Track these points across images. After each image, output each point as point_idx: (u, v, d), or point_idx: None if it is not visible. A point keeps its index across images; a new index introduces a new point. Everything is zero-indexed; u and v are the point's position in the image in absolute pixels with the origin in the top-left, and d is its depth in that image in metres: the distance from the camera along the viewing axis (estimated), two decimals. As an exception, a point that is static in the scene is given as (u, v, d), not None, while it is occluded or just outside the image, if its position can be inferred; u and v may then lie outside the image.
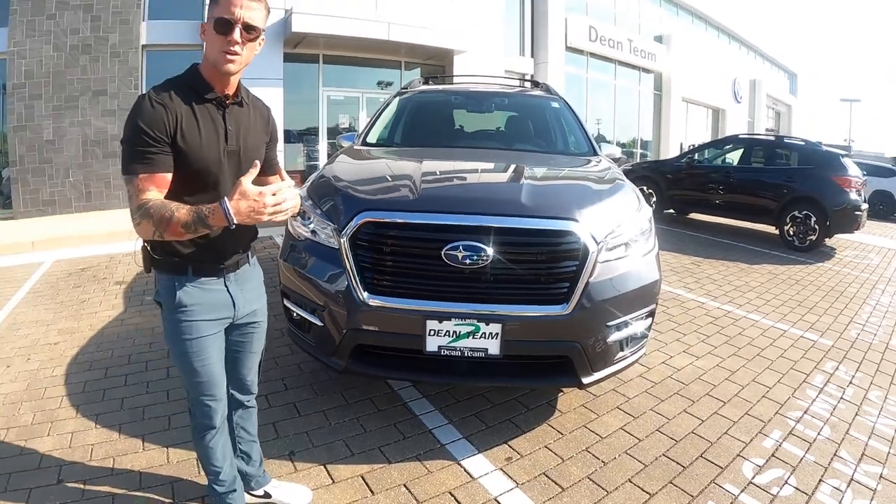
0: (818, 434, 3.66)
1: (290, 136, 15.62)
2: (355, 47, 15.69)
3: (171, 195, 2.03)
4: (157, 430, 3.51)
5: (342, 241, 3.22)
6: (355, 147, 5.27)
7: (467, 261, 3.01)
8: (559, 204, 3.37)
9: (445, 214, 3.17)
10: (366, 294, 3.15)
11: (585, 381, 3.26)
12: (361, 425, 3.56)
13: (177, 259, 2.20)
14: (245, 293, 2.42)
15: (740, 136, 13.53)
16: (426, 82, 7.20)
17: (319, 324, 3.40)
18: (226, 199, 1.87)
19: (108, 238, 9.94)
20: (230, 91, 2.21)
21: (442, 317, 3.07)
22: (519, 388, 4.01)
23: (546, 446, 3.38)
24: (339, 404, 3.82)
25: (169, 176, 2.04)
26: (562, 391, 4.04)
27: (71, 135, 12.98)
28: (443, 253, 3.03)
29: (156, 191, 2.01)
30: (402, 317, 3.16)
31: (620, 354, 3.41)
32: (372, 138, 5.55)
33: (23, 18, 12.75)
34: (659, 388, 4.23)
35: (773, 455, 3.38)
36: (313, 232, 3.53)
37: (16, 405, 3.91)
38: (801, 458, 3.35)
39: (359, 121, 16.76)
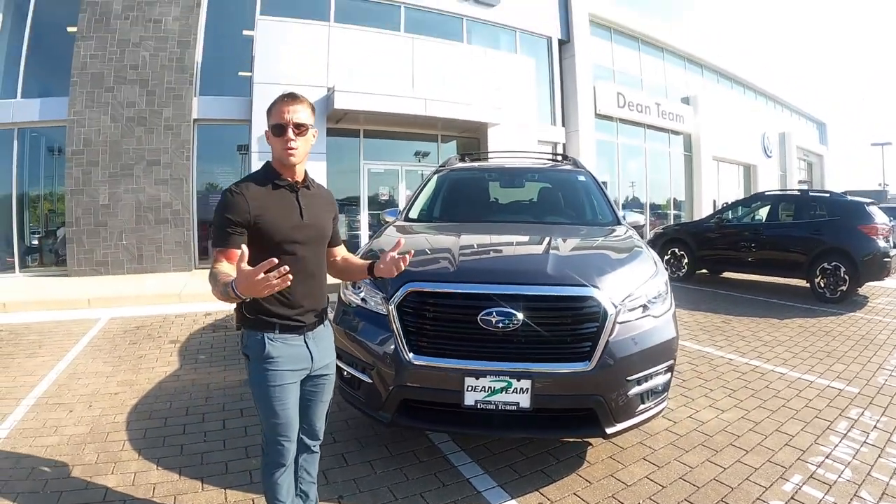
0: (839, 476, 3.86)
1: (332, 208, 16.07)
2: (394, 122, 16.36)
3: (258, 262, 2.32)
4: (215, 473, 3.90)
5: (390, 307, 3.67)
6: (398, 222, 5.81)
7: (500, 325, 3.43)
8: (581, 272, 3.76)
9: (481, 284, 3.64)
10: (411, 355, 3.59)
11: (609, 431, 3.58)
12: (404, 474, 3.89)
13: (267, 318, 2.65)
14: (320, 350, 2.86)
15: (767, 193, 13.69)
16: (462, 159, 7.72)
17: (369, 381, 3.82)
18: (235, 277, 2.29)
19: (159, 299, 10.55)
20: (299, 178, 2.78)
21: (478, 374, 3.46)
22: (549, 441, 4.33)
23: (575, 493, 3.65)
24: (383, 456, 4.16)
25: (235, 251, 2.42)
26: (590, 444, 4.32)
27: (125, 200, 13.94)
28: (478, 318, 3.46)
29: (226, 263, 2.53)
30: (442, 374, 3.56)
31: (642, 407, 3.73)
32: (414, 213, 6.09)
33: (82, 90, 13.84)
34: (684, 440, 4.46)
35: (792, 497, 3.59)
36: (363, 299, 4.02)
37: (80, 446, 4.34)
38: (821, 500, 3.56)
39: (398, 192, 17.36)
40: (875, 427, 4.74)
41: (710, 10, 30.58)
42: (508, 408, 3.50)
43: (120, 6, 14.24)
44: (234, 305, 2.70)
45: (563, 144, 21.49)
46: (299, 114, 2.65)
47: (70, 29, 14.54)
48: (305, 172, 2.83)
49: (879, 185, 48.69)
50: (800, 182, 38.10)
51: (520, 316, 3.44)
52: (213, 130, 15.47)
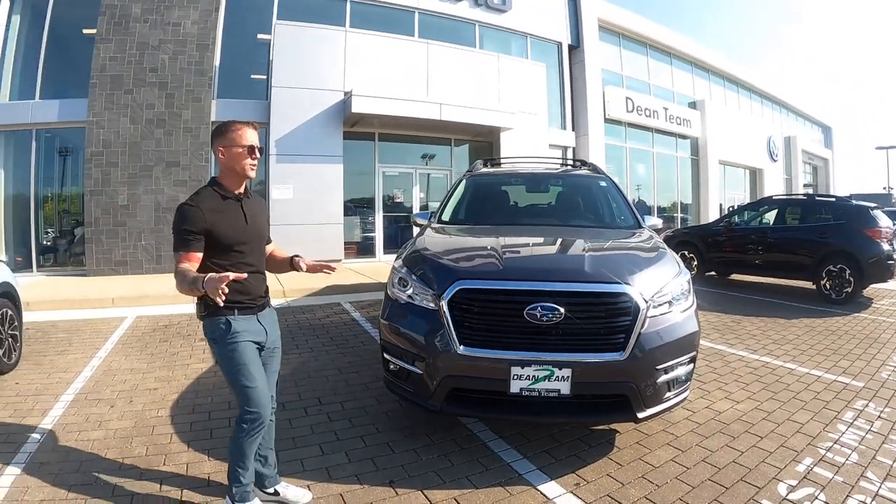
0: (846, 460, 4.13)
1: (347, 210, 16.44)
2: (408, 126, 16.62)
3: (212, 262, 3.13)
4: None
5: (441, 303, 3.98)
6: (434, 225, 6.10)
7: (544, 318, 3.73)
8: (615, 271, 4.07)
9: (526, 282, 3.95)
10: (461, 346, 3.87)
11: (640, 415, 3.88)
12: (449, 460, 4.14)
13: (228, 305, 3.04)
14: (270, 325, 3.44)
15: (774, 198, 13.86)
16: (486, 164, 8.00)
17: (418, 372, 4.10)
18: (207, 275, 2.81)
19: (183, 298, 10.74)
20: (242, 190, 3.34)
21: (523, 364, 3.76)
22: (581, 428, 4.62)
23: (608, 474, 3.92)
24: (426, 444, 4.41)
25: (199, 255, 3.09)
26: (618, 431, 4.61)
27: (144, 201, 14.21)
28: (524, 312, 3.76)
29: (188, 264, 3.04)
30: (490, 365, 3.85)
31: (669, 394, 4.03)
32: (446, 216, 6.38)
33: (102, 91, 14.14)
34: (703, 427, 4.74)
35: (805, 477, 3.86)
36: (411, 296, 4.32)
37: (127, 439, 4.53)
38: (831, 479, 3.82)
39: (412, 195, 17.72)
40: (879, 417, 5.01)
41: (733, 18, 30.74)
42: (550, 395, 3.80)
43: (139, 9, 14.55)
44: (195, 298, 3.16)
45: (574, 148, 21.85)
46: (258, 139, 3.31)
47: (86, 31, 14.88)
48: (246, 184, 3.39)
49: (884, 188, 48.76)
50: (805, 186, 38.24)
51: (561, 310, 3.73)
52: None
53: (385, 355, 4.48)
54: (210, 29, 15.12)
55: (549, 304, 3.74)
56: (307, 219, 15.14)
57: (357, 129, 16.49)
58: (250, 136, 3.24)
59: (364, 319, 9.08)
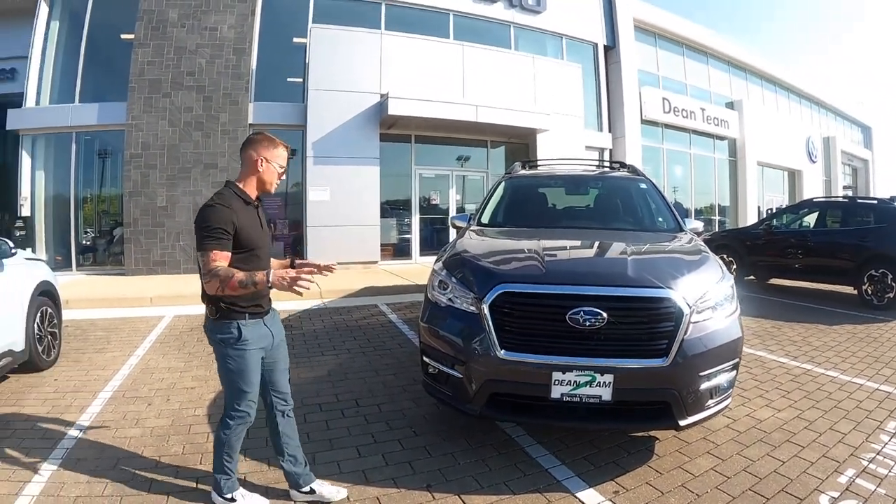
0: (889, 472, 4.03)
1: (384, 212, 16.46)
2: (445, 128, 16.60)
3: (234, 263, 3.18)
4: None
5: (483, 307, 3.95)
6: (474, 227, 6.06)
7: (587, 323, 3.69)
8: (658, 275, 4.02)
9: (569, 286, 3.91)
10: (502, 351, 3.85)
11: (682, 423, 3.83)
12: (486, 465, 4.12)
13: (239, 309, 3.28)
14: (275, 326, 3.57)
15: (815, 200, 13.62)
16: (524, 166, 7.95)
17: (458, 376, 4.09)
18: (271, 270, 3.10)
19: None
20: (255, 197, 3.49)
21: (565, 369, 3.72)
22: (619, 435, 4.56)
23: (647, 483, 3.87)
24: (463, 448, 4.40)
25: (230, 253, 3.18)
26: (657, 438, 4.55)
27: (182, 202, 14.39)
28: (567, 317, 3.72)
29: (222, 262, 3.12)
30: (531, 369, 3.83)
31: (710, 402, 3.97)
32: (486, 219, 6.36)
33: (140, 95, 14.40)
34: (744, 436, 4.66)
35: (847, 489, 3.78)
36: (451, 299, 4.30)
37: (164, 437, 4.59)
38: (873, 491, 3.74)
39: (449, 196, 17.75)
40: (923, 428, 4.88)
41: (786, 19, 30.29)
42: (591, 401, 3.76)
43: (176, 14, 14.80)
44: (203, 302, 3.34)
45: (610, 150, 21.66)
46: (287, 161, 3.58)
47: (124, 36, 15.17)
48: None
49: (927, 190, 47.57)
50: (844, 188, 37.54)
51: (604, 315, 3.69)
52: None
53: (424, 358, 4.48)
54: (246, 33, 15.29)
55: (591, 309, 3.70)
56: (344, 220, 15.18)
57: (393, 131, 16.49)
58: (285, 157, 3.52)
59: (401, 321, 9.10)
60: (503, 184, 7.03)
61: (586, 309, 3.70)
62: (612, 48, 22.05)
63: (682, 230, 5.90)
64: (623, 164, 8.23)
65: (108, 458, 4.17)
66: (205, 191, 14.24)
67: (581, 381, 3.72)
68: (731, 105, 27.60)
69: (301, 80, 16.21)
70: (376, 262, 15.86)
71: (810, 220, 12.75)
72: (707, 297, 4.02)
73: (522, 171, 7.60)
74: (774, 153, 29.07)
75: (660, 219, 6.32)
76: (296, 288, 2.98)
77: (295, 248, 15.95)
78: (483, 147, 18.43)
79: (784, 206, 16.32)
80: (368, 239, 15.71)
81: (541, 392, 3.82)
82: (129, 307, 10.40)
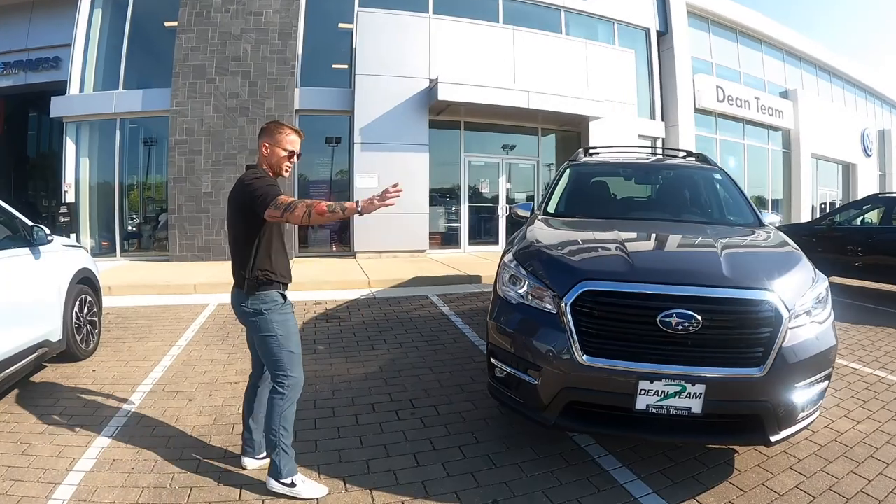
0: None
1: (432, 199, 16.19)
2: (495, 114, 16.22)
3: (264, 238, 3.47)
4: (356, 473, 3.80)
5: (563, 306, 3.56)
6: (541, 217, 5.61)
7: (679, 327, 3.29)
8: (756, 275, 3.63)
9: (661, 285, 3.49)
10: (584, 356, 3.45)
11: (773, 439, 3.45)
12: (556, 478, 3.75)
13: (279, 280, 3.52)
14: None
15: (879, 196, 12.99)
16: (586, 154, 7.45)
17: (531, 382, 3.70)
18: (359, 199, 3.32)
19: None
20: None
21: (653, 377, 3.33)
22: (696, 447, 4.16)
23: (730, 501, 3.50)
24: (530, 458, 4.02)
25: None
26: (736, 451, 4.16)
27: (227, 188, 13.69)
28: (658, 320, 3.32)
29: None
30: (616, 377, 3.42)
31: (802, 415, 3.57)
32: (552, 208, 5.92)
33: (185, 81, 14.30)
34: (825, 450, 4.27)
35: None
36: (523, 295, 3.92)
37: (206, 437, 4.33)
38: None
39: (499, 185, 17.41)
40: None
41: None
42: (679, 413, 3.38)
43: (220, 0, 14.56)
44: (238, 280, 3.59)
45: (663, 139, 21.12)
46: (299, 146, 3.67)
47: (168, 24, 15.16)
48: None
49: None
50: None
51: (699, 318, 3.30)
52: (313, 120, 15.69)
53: (492, 360, 4.10)
54: (292, 17, 15.08)
55: (685, 311, 3.29)
56: (391, 208, 14.62)
57: (443, 118, 16.17)
58: (293, 142, 3.59)
59: (454, 314, 8.72)
60: (568, 171, 6.56)
61: (680, 311, 3.30)
62: (664, 34, 21.46)
63: (761, 224, 5.45)
64: (692, 153, 7.70)
65: (145, 461, 3.91)
66: (250, 177, 14.06)
67: (670, 392, 3.33)
68: (784, 94, 26.74)
69: (348, 65, 15.96)
70: (424, 250, 15.60)
71: (873, 216, 12.21)
72: (804, 301, 3.61)
73: (587, 159, 7.12)
74: (829, 145, 28.09)
75: (738, 212, 5.81)
76: (387, 202, 3.27)
77: (341, 236, 15.70)
78: (534, 135, 18.02)
79: (847, 202, 15.59)
80: (417, 227, 15.40)
81: (625, 402, 3.43)
82: (173, 294, 10.24)
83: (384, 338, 7.23)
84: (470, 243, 16.90)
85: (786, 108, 26.03)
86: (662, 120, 21.35)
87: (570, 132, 18.16)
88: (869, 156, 31.80)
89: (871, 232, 11.48)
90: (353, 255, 14.90)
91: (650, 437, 3.81)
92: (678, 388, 3.30)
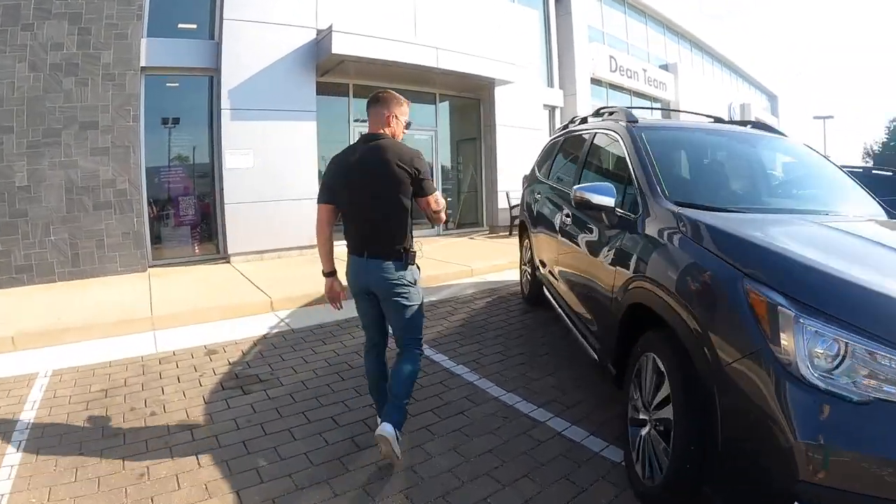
0: None
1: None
2: (390, 76, 13.64)
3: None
4: None
5: None
6: (690, 214, 3.51)
7: None
8: None
9: None
10: None
11: None
12: None
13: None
14: None
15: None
16: (598, 114, 6.38)
17: None
18: None
19: (122, 327, 6.96)
20: None
21: None
22: None
23: None
24: None
25: None
26: None
27: (51, 179, 10.23)
28: None
29: None
30: None
31: None
32: (680, 195, 3.90)
33: None
34: None
35: None
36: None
37: None
38: None
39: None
40: None
41: None
42: None
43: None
44: (390, 252, 3.64)
45: (561, 109, 20.26)
46: None
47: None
48: None
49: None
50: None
51: None
52: (166, 83, 12.27)
53: None
54: (137, -57, 11.56)
55: None
56: (273, 194, 12.05)
57: (329, 79, 13.45)
58: (408, 112, 3.97)
59: (451, 362, 5.91)
60: (642, 138, 4.53)
61: None
62: (561, -1, 20.73)
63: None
64: (752, 123, 6.01)
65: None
66: (81, 161, 10.38)
67: None
68: (665, 67, 27.91)
69: (211, 9, 12.51)
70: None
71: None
72: None
73: (650, 120, 5.73)
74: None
75: (865, 200, 4.49)
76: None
77: (203, 233, 12.18)
78: (431, 103, 15.90)
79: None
80: (305, 216, 11.71)
81: None
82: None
83: (358, 417, 4.42)
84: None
85: (668, 81, 27.12)
86: (560, 88, 20.56)
87: (469, 99, 16.34)
88: (733, 126, 33.91)
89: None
90: (226, 259, 11.75)
91: None
92: None
